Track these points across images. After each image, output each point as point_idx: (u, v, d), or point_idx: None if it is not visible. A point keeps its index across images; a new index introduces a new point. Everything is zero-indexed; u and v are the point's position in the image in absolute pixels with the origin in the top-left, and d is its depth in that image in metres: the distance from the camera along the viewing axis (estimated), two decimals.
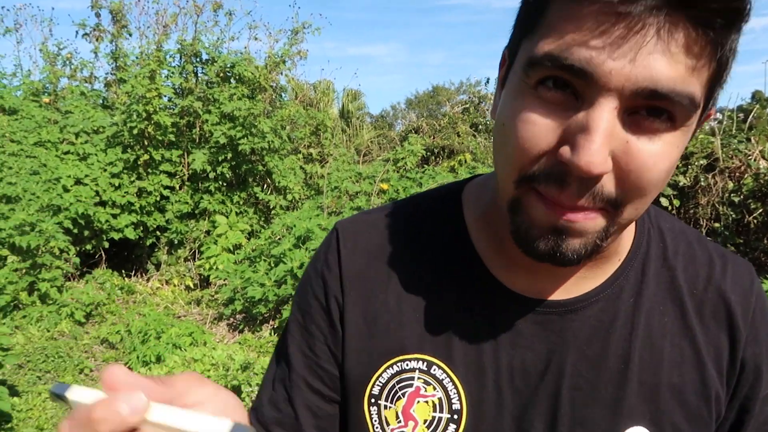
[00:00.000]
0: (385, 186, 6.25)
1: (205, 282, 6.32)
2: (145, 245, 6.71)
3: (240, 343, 4.82)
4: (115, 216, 6.24)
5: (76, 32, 7.93)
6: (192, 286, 6.33)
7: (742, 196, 5.87)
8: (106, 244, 6.28)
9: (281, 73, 7.89)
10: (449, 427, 0.62)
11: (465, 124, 10.13)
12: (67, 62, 8.30)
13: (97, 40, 8.05)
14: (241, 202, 6.89)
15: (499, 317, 0.63)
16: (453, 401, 0.62)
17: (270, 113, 7.52)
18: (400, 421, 0.63)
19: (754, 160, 6.02)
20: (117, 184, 6.35)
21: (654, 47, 0.44)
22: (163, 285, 6.33)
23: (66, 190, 5.94)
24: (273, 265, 5.36)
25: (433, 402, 0.63)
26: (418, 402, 0.63)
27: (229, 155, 6.75)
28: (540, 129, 0.49)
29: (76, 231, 5.89)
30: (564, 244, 0.51)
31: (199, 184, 6.90)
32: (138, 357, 4.30)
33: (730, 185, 5.98)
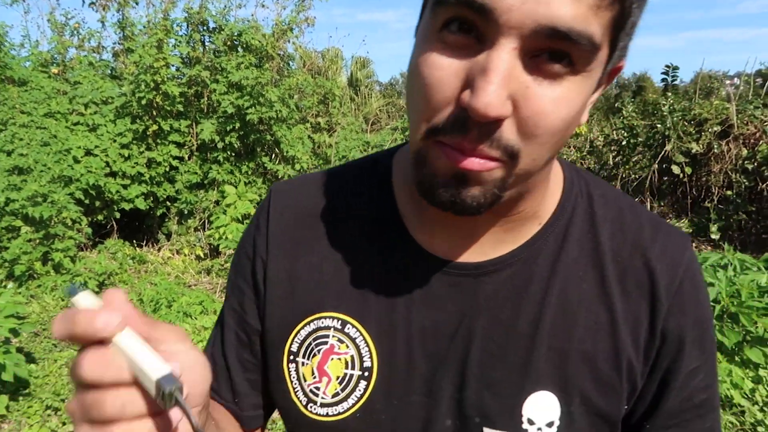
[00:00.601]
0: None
1: (215, 251, 6.39)
2: (155, 215, 6.77)
3: None
4: (125, 186, 6.29)
5: (83, 1, 7.88)
6: (202, 255, 6.41)
7: (756, 163, 5.79)
8: (117, 215, 6.35)
9: (289, 41, 7.79)
10: (360, 384, 0.64)
11: None
12: (75, 32, 8.26)
13: (103, 9, 7.98)
14: (249, 172, 6.90)
15: (415, 278, 0.63)
16: (364, 359, 0.64)
17: (278, 82, 7.47)
18: (315, 377, 0.65)
19: None
20: (127, 155, 6.38)
21: None
22: (173, 254, 6.41)
23: (77, 161, 5.98)
24: None
25: (345, 359, 0.64)
26: (332, 359, 0.64)
27: (237, 125, 6.74)
28: (444, 74, 0.48)
29: (87, 202, 5.95)
30: (464, 191, 0.51)
31: (208, 155, 6.92)
32: None
33: (744, 152, 5.89)
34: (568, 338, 0.60)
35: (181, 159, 6.81)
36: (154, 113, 6.56)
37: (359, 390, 0.64)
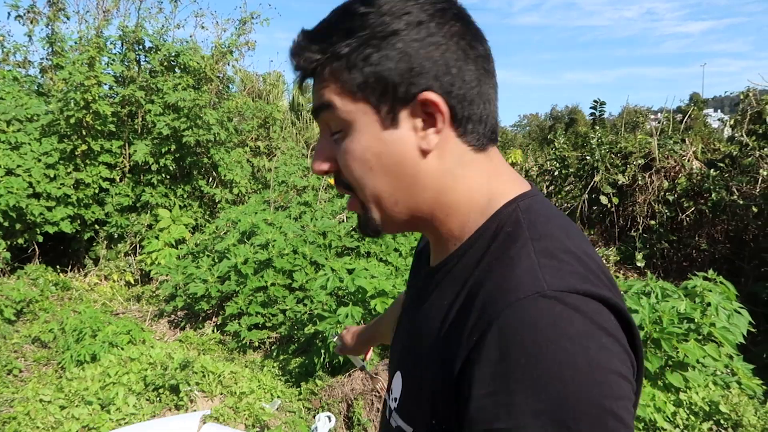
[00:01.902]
0: (332, 181, 6.21)
1: (146, 277, 6.14)
2: (82, 239, 6.45)
3: (181, 340, 4.71)
4: (50, 209, 5.97)
5: (9, 13, 7.53)
6: (132, 281, 6.14)
7: (676, 195, 6.12)
8: (40, 238, 6.00)
9: (228, 64, 7.71)
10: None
11: None
12: None
13: (31, 22, 7.65)
14: (185, 195, 6.72)
15: (417, 282, 0.88)
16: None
17: (216, 105, 7.35)
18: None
19: (688, 160, 6.28)
20: (52, 175, 6.07)
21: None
22: (101, 281, 6.11)
23: None
24: (217, 260, 5.26)
25: None
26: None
27: (173, 147, 6.57)
28: None
29: (6, 224, 5.61)
30: (361, 222, 0.75)
31: (141, 177, 6.69)
32: (72, 356, 4.14)
33: (666, 184, 6.23)
34: (419, 341, 0.73)
35: (112, 181, 6.55)
36: (84, 133, 6.29)
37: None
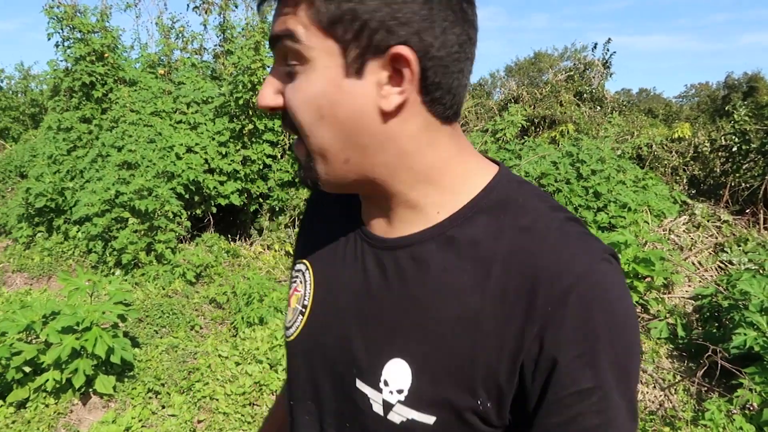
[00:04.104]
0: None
1: None
2: (249, 211, 7.04)
3: None
4: (222, 183, 6.58)
5: (187, 5, 8.31)
6: (292, 252, 6.58)
7: None
8: (214, 210, 6.65)
9: None
10: (299, 317, 0.81)
11: (569, 92, 9.65)
12: (180, 35, 8.74)
13: (206, 12, 8.39)
14: None
15: (352, 245, 0.77)
16: (306, 299, 0.80)
17: None
18: (287, 306, 0.86)
19: None
20: (224, 153, 6.67)
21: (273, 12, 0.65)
22: (265, 250, 6.63)
23: (179, 157, 6.32)
24: None
25: (298, 296, 0.82)
26: (294, 294, 0.84)
27: None
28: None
29: (187, 196, 6.27)
30: (302, 170, 0.69)
31: None
32: (243, 318, 4.55)
33: None
34: (435, 321, 0.64)
35: (274, 157, 7.04)
36: (250, 113, 6.81)
37: (298, 322, 0.80)
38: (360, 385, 0.69)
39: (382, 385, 0.67)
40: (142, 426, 3.36)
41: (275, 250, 6.57)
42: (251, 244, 6.80)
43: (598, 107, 10.47)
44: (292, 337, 0.81)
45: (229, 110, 6.93)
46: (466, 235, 0.66)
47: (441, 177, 0.68)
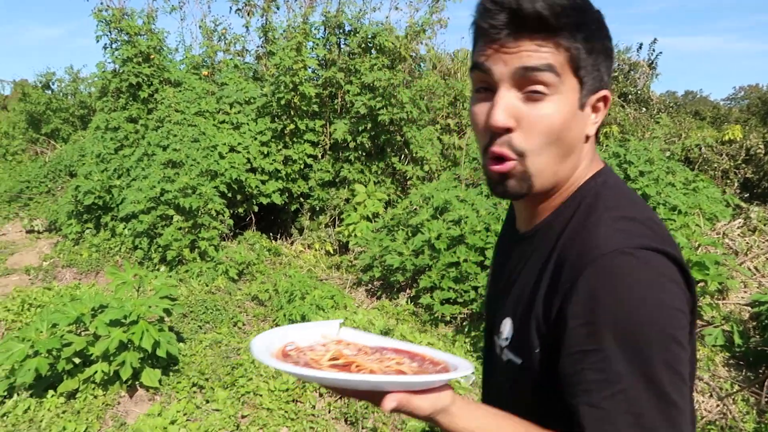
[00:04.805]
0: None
1: (344, 248, 6.54)
2: (289, 210, 7.08)
3: (378, 309, 4.92)
4: (263, 182, 6.63)
5: (230, 8, 8.44)
6: (332, 251, 6.58)
7: None
8: (256, 208, 6.71)
9: (421, 43, 7.80)
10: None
11: (613, 93, 9.41)
12: (223, 37, 8.87)
13: (248, 14, 8.50)
14: (379, 172, 6.99)
15: (509, 243, 1.04)
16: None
17: (409, 83, 7.50)
18: None
19: None
20: (266, 152, 6.73)
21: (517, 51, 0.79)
22: (305, 249, 6.65)
23: (222, 156, 6.40)
24: (410, 234, 5.39)
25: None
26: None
27: (369, 125, 6.85)
28: (478, 116, 0.84)
29: (230, 195, 6.34)
30: (507, 184, 0.84)
31: (340, 154, 7.10)
32: (284, 315, 4.55)
33: None
34: (524, 293, 0.88)
35: (314, 157, 7.06)
36: (292, 113, 6.85)
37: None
38: (495, 337, 0.96)
39: (499, 335, 0.93)
40: (187, 420, 3.38)
41: (315, 249, 6.58)
42: (292, 243, 6.83)
43: (644, 109, 10.19)
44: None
45: (270, 110, 6.99)
46: (551, 231, 0.87)
47: (566, 185, 0.88)
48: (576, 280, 0.75)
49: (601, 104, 0.84)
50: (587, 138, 0.85)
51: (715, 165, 7.64)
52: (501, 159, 0.81)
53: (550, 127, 0.78)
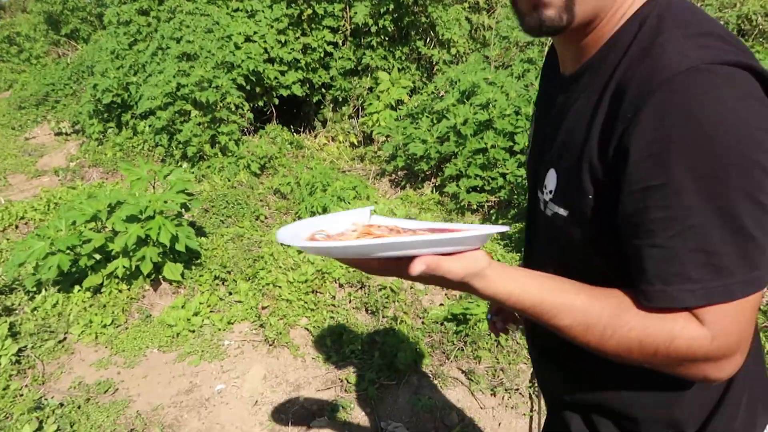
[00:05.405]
0: None
1: (368, 139, 6.33)
2: (311, 102, 6.82)
3: (402, 198, 4.79)
4: (282, 73, 6.34)
5: None
6: (356, 143, 6.38)
7: None
8: (276, 101, 6.47)
9: None
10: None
11: None
12: None
13: None
14: (403, 58, 6.59)
15: (553, 90, 0.93)
16: (530, 132, 1.03)
17: None
18: None
19: None
20: (283, 41, 6.37)
21: None
22: (329, 141, 6.46)
23: (237, 47, 6.08)
24: (435, 121, 5.12)
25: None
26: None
27: (391, 6, 6.36)
28: None
29: (248, 87, 6.10)
30: (543, 14, 0.73)
31: (362, 39, 6.69)
32: (306, 207, 4.46)
33: None
34: (571, 137, 0.79)
35: (335, 45, 6.68)
36: None
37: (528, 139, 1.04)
38: (538, 192, 0.89)
39: (543, 189, 0.87)
40: (210, 311, 3.41)
41: (339, 141, 6.38)
42: (315, 136, 6.64)
43: None
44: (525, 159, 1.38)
45: None
46: (604, 65, 0.75)
47: (612, 11, 0.75)
48: (641, 107, 0.64)
49: None
50: None
51: None
52: None
53: None
